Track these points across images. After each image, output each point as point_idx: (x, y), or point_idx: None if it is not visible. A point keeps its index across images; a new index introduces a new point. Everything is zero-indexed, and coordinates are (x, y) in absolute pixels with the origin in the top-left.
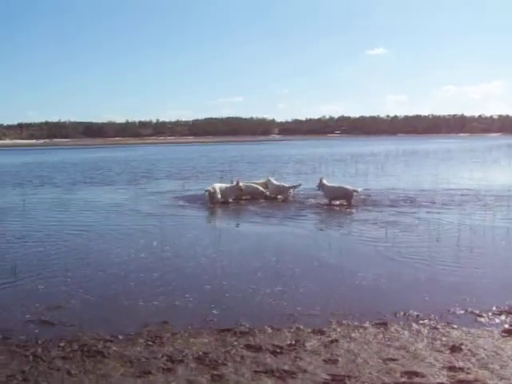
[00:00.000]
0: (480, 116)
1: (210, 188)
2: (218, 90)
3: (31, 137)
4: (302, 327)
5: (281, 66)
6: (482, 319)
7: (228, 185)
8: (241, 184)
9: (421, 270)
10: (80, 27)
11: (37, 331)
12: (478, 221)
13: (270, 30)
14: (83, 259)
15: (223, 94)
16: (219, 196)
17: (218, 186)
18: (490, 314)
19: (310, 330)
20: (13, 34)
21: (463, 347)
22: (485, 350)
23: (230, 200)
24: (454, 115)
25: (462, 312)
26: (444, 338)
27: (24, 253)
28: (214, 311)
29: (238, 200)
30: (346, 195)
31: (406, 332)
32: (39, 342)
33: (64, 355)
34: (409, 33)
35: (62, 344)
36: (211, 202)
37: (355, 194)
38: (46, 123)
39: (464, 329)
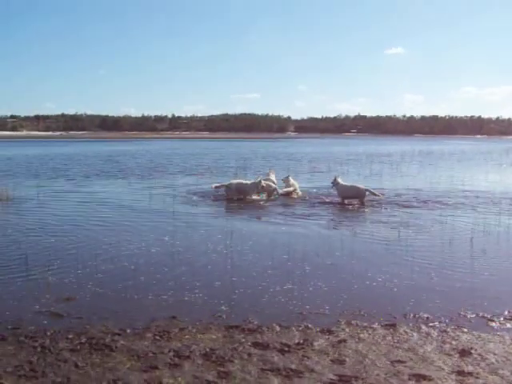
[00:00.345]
0: (498, 118)
1: (226, 183)
2: (234, 87)
3: (48, 129)
4: (310, 326)
5: (299, 63)
6: (493, 324)
7: (249, 181)
8: (263, 182)
9: (432, 272)
10: (97, 20)
11: (46, 322)
12: (492, 224)
13: (288, 26)
14: (94, 252)
15: (239, 90)
16: (235, 192)
17: (236, 181)
18: (501, 318)
19: (318, 329)
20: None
21: (473, 351)
22: (495, 355)
23: (252, 197)
24: (472, 116)
25: (472, 316)
26: (454, 342)
27: (36, 244)
28: (223, 307)
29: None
30: (358, 194)
31: (415, 334)
32: (48, 333)
33: (72, 347)
34: (428, 32)
35: (70, 336)
36: (228, 198)
37: (367, 193)
38: (63, 115)
39: (474, 333)
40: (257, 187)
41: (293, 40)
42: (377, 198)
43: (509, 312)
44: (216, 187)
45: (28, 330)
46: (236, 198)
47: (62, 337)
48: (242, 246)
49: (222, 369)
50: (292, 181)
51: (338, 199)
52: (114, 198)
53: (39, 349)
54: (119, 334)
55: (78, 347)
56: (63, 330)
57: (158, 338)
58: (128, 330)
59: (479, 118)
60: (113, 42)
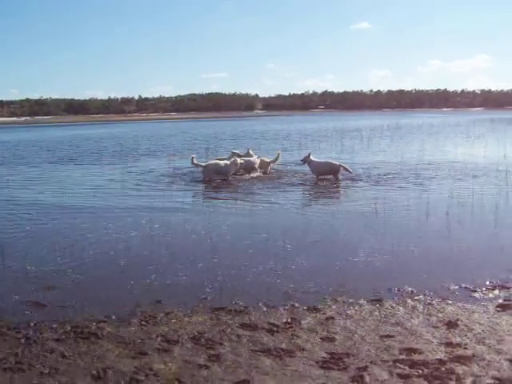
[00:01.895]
0: (463, 91)
1: (203, 164)
2: (201, 66)
3: (12, 114)
4: (296, 305)
5: (266, 41)
6: (477, 294)
7: (227, 161)
8: (238, 159)
9: (412, 246)
10: (61, 5)
11: (28, 313)
12: (466, 195)
13: (254, 4)
14: (71, 239)
15: (207, 69)
16: (213, 173)
17: (214, 162)
18: (483, 289)
19: (305, 308)
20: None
21: (459, 323)
22: (481, 325)
23: (229, 177)
24: (437, 90)
25: (456, 287)
26: (440, 314)
27: (11, 233)
28: (207, 289)
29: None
30: (332, 170)
31: (401, 308)
32: (31, 323)
33: (57, 337)
34: (393, 6)
35: (54, 326)
36: (205, 179)
37: (342, 169)
38: (28, 100)
39: (459, 304)
40: (235, 166)
41: (259, 19)
42: (350, 174)
43: (490, 282)
44: (195, 164)
45: (10, 321)
46: (214, 180)
47: (46, 327)
48: (221, 226)
49: (212, 352)
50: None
51: (313, 176)
52: (88, 183)
53: (23, 340)
54: (104, 321)
55: (64, 336)
56: (47, 319)
57: (144, 323)
58: (113, 317)
59: (445, 90)
60: (77, 25)
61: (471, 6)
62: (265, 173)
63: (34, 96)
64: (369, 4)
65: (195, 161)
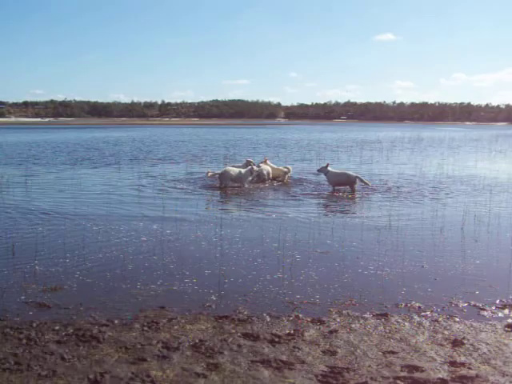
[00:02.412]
0: (487, 105)
1: (219, 171)
2: (224, 73)
3: (37, 115)
4: (301, 316)
5: (289, 50)
6: (485, 313)
7: (242, 169)
8: (255, 167)
9: (424, 261)
10: (87, 6)
11: (31, 313)
12: (483, 211)
13: (279, 12)
14: (82, 241)
15: (229, 76)
16: (229, 180)
17: (231, 169)
18: (493, 307)
19: (309, 319)
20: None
21: (465, 341)
22: (487, 344)
23: (246, 185)
24: (461, 103)
25: (464, 305)
26: (446, 332)
27: (23, 233)
28: (213, 297)
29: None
30: (349, 181)
31: (407, 324)
32: (34, 324)
33: (58, 339)
34: (418, 18)
35: (56, 327)
36: (221, 186)
37: (358, 181)
38: (52, 102)
39: (466, 322)
40: (251, 174)
41: (283, 27)
42: (367, 186)
43: (500, 301)
44: (210, 175)
45: (13, 322)
46: (229, 186)
47: (49, 328)
48: (232, 234)
49: (211, 360)
50: (267, 165)
51: (329, 186)
52: (103, 186)
53: (25, 341)
54: (107, 325)
55: (65, 339)
56: (50, 321)
57: (146, 328)
58: (116, 321)
59: (469, 104)
60: (103, 28)
61: (497, 19)
62: (282, 182)
63: (59, 97)
64: (393, 15)
65: (210, 174)
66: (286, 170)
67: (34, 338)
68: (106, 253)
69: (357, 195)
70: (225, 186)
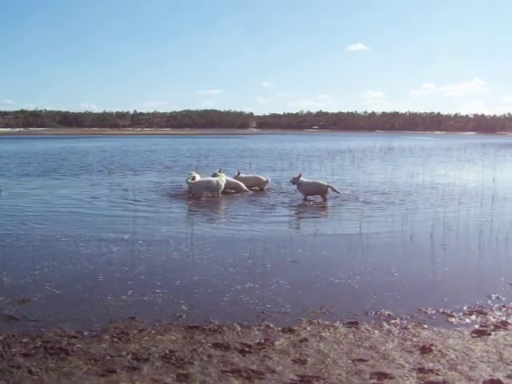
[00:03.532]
0: (456, 115)
1: (191, 179)
2: (196, 83)
3: (6, 125)
4: (271, 325)
5: (262, 60)
6: (453, 319)
7: (215, 178)
8: (224, 177)
9: (394, 269)
10: (58, 17)
11: None
12: (452, 219)
13: (249, 22)
14: (51, 252)
15: (202, 86)
16: (204, 189)
17: (205, 178)
18: (461, 314)
19: (279, 329)
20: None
21: (433, 348)
22: (455, 350)
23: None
24: (431, 113)
25: (433, 312)
26: (414, 339)
27: None
28: (183, 307)
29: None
30: (320, 190)
31: (376, 332)
32: (0, 337)
33: (26, 352)
34: (388, 28)
35: (24, 340)
36: (194, 195)
37: (330, 190)
38: (22, 111)
39: (435, 329)
40: (222, 183)
41: (255, 37)
42: (338, 194)
43: (468, 307)
44: (189, 183)
45: None
46: (203, 196)
47: (16, 341)
48: (203, 244)
49: (181, 371)
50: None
51: (301, 196)
52: (73, 196)
53: None
54: (76, 337)
55: (33, 352)
56: (17, 333)
57: (116, 340)
58: (85, 333)
59: (438, 114)
60: (74, 38)
61: (466, 31)
62: (261, 190)
63: (30, 107)
64: (365, 25)
65: (191, 179)
66: (265, 179)
67: (1, 352)
68: (75, 264)
69: (328, 204)
70: (198, 196)
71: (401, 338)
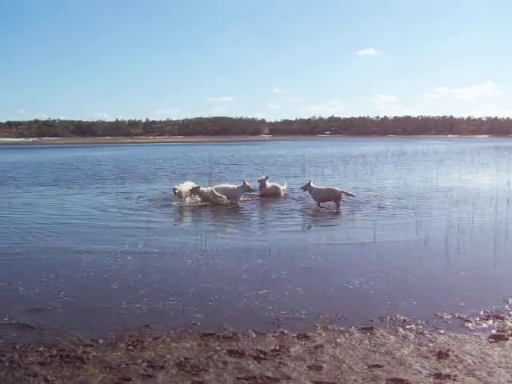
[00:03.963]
0: (469, 118)
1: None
2: (207, 90)
3: (20, 135)
4: (286, 332)
5: (272, 66)
6: (470, 324)
7: (236, 185)
8: (248, 184)
9: (408, 274)
10: (69, 26)
11: (15, 335)
12: (466, 223)
13: (260, 28)
14: (65, 261)
15: (213, 93)
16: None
17: (223, 185)
18: (477, 318)
19: (294, 335)
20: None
21: (450, 353)
22: (472, 356)
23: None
24: (443, 117)
25: (449, 317)
26: (431, 344)
27: (5, 254)
28: (198, 315)
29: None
30: (334, 196)
31: (392, 337)
32: (17, 346)
33: (42, 360)
34: (399, 32)
35: (40, 349)
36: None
37: (343, 195)
38: (36, 121)
39: (451, 334)
40: (243, 190)
41: (266, 43)
42: (352, 198)
43: (484, 311)
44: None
45: None
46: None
47: (32, 350)
48: (217, 251)
49: (196, 378)
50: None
51: (314, 202)
52: (85, 205)
53: (7, 363)
54: (91, 345)
55: (49, 360)
56: (33, 342)
57: (131, 348)
58: (100, 341)
59: (451, 117)
60: (85, 47)
61: (477, 33)
62: (277, 197)
63: (43, 117)
64: (375, 30)
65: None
66: (281, 186)
67: (17, 361)
68: (90, 272)
69: (341, 210)
70: (212, 204)
71: (417, 343)
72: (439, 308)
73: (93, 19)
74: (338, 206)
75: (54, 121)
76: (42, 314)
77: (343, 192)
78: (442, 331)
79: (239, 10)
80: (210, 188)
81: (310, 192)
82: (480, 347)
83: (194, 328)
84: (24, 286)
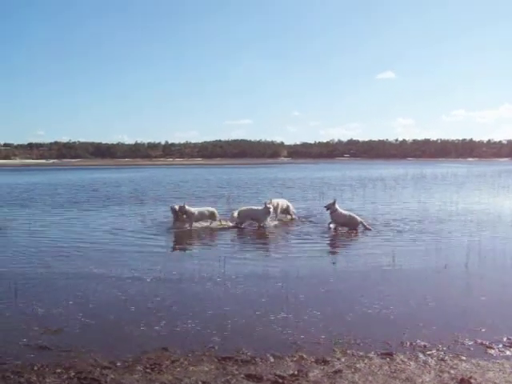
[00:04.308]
0: (489, 141)
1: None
2: (226, 113)
3: (41, 157)
4: (305, 356)
5: (291, 89)
6: (492, 351)
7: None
8: (269, 206)
9: (429, 298)
10: (88, 45)
11: (33, 356)
12: (487, 248)
13: (277, 52)
14: (83, 282)
15: (231, 116)
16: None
17: (248, 207)
18: (500, 345)
19: (313, 359)
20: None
21: (472, 381)
22: None
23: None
24: (463, 140)
25: (470, 343)
26: (452, 371)
27: (25, 275)
28: (216, 338)
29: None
30: (352, 224)
31: (412, 363)
32: (35, 368)
33: (60, 382)
34: (417, 57)
35: (58, 370)
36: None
37: (361, 225)
38: (56, 143)
39: (473, 361)
40: (268, 213)
41: (285, 66)
42: (371, 222)
43: (508, 338)
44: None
45: (14, 365)
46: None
47: (50, 371)
48: (236, 274)
49: None
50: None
51: (332, 225)
52: (103, 226)
53: None
54: (109, 368)
55: (66, 382)
56: (51, 364)
57: (148, 370)
58: (118, 363)
59: (470, 140)
60: (104, 69)
61: (494, 55)
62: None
63: (62, 139)
64: (394, 53)
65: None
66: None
67: (35, 382)
68: (108, 294)
69: (360, 233)
70: (241, 224)
71: (438, 369)
72: (460, 334)
73: (111, 40)
74: (355, 231)
75: (75, 143)
76: (59, 335)
77: (361, 223)
78: (464, 358)
79: (257, 31)
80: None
81: (331, 213)
82: (504, 375)
83: (212, 351)
84: (42, 307)
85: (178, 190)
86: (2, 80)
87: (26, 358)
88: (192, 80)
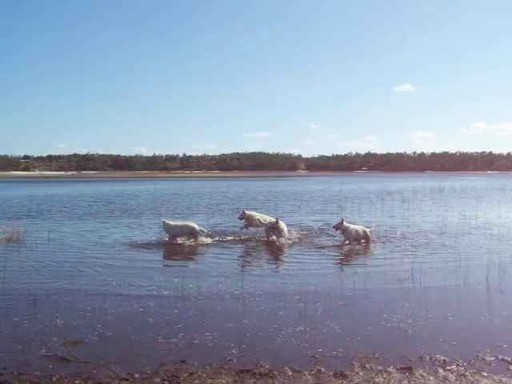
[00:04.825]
0: (509, 153)
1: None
2: (244, 125)
3: (60, 169)
4: (323, 370)
5: (309, 102)
6: None
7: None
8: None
9: (448, 312)
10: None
11: (52, 367)
12: (509, 260)
13: (295, 64)
14: (103, 294)
15: (250, 128)
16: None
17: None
18: None
19: (331, 373)
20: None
21: None
22: None
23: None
24: (482, 152)
25: (492, 359)
26: None
27: (45, 286)
28: (234, 351)
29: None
30: (367, 237)
31: (431, 378)
32: (54, 379)
33: None
34: (435, 68)
35: (76, 382)
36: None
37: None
38: (75, 155)
39: (495, 377)
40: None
41: (302, 79)
42: (390, 236)
43: None
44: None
45: (33, 376)
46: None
47: (69, 382)
48: (254, 287)
49: None
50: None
51: (346, 242)
52: (123, 238)
53: None
54: (127, 379)
55: None
56: (70, 375)
57: (166, 383)
58: (136, 375)
59: (490, 153)
60: (121, 82)
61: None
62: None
63: (82, 151)
64: (411, 66)
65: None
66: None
67: None
68: (126, 306)
69: (378, 246)
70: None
71: None
72: (481, 349)
73: (128, 55)
74: (368, 243)
75: (93, 155)
76: (78, 346)
77: (370, 231)
78: (485, 374)
79: (274, 44)
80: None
81: (342, 232)
82: None
83: (230, 364)
84: (61, 319)
85: (195, 201)
86: (24, 93)
87: (44, 369)
88: (210, 93)
